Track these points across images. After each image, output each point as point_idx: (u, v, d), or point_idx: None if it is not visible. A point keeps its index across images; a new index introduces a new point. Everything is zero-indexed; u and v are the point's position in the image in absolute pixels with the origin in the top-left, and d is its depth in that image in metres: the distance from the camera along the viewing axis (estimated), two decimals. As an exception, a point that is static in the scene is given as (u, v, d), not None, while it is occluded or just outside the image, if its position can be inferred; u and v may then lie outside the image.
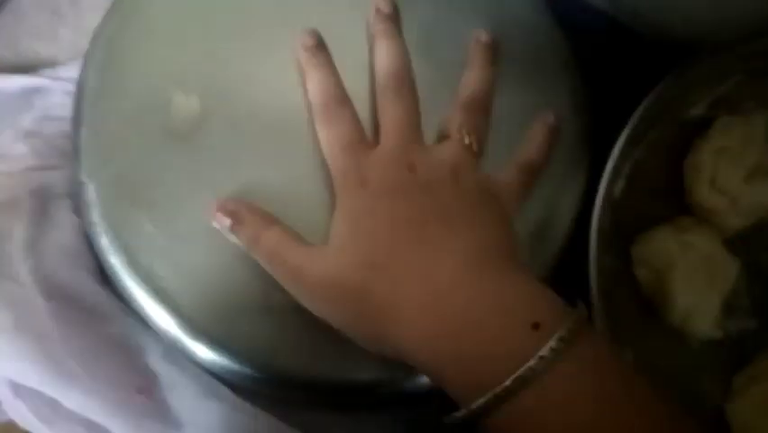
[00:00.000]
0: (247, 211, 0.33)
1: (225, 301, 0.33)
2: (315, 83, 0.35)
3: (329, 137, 0.34)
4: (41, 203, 0.36)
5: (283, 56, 0.36)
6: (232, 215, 0.33)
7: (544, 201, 0.37)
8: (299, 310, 0.32)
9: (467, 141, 0.35)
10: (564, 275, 0.36)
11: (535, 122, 0.38)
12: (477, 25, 0.38)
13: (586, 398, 0.27)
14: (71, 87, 0.37)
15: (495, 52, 0.38)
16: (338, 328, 0.32)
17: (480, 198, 0.34)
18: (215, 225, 0.33)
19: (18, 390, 0.32)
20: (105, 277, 0.35)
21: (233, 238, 0.33)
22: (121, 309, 0.34)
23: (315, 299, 0.32)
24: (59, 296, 0.33)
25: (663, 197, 0.40)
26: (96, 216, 0.34)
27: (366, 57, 0.37)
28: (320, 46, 0.36)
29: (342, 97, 0.35)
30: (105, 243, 0.34)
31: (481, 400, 0.27)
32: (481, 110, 0.36)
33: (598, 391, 0.27)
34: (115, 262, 0.34)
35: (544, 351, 0.27)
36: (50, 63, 0.39)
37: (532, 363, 0.27)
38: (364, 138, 0.35)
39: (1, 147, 0.37)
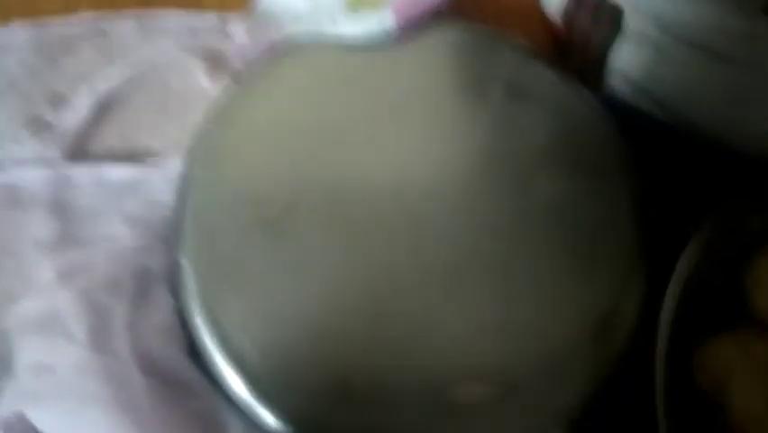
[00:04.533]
0: None
1: (307, 385, 0.35)
2: None
3: None
4: (141, 283, 0.38)
5: (371, 156, 0.39)
6: None
7: (604, 304, 0.38)
8: (379, 400, 0.34)
9: None
10: (625, 376, 0.37)
11: None
12: (539, 126, 0.41)
13: None
14: (173, 177, 0.41)
15: None
16: None
17: None
18: None
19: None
20: (194, 354, 0.37)
21: None
22: (207, 386, 0.36)
23: None
24: (153, 372, 0.35)
25: (727, 305, 0.41)
26: (190, 297, 0.36)
27: (451, 156, 0.40)
28: None
29: None
30: (198, 322, 0.36)
31: None
32: None
33: None
34: (206, 341, 0.36)
35: None
36: (156, 154, 0.43)
37: None
38: None
39: (107, 229, 0.40)
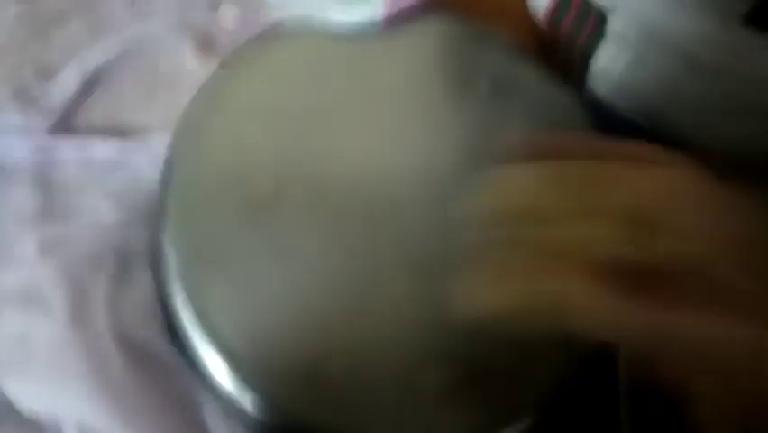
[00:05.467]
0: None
1: (284, 369, 0.35)
2: None
3: None
4: (121, 260, 0.39)
5: (355, 143, 0.40)
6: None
7: None
8: (353, 386, 0.35)
9: None
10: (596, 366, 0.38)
11: None
12: (522, 121, 0.41)
13: None
14: (159, 155, 0.41)
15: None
16: None
17: None
18: None
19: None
20: (172, 334, 0.37)
21: None
22: (184, 367, 0.37)
23: None
24: (131, 350, 0.36)
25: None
26: (171, 277, 0.37)
27: (433, 146, 0.40)
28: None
29: None
30: (177, 302, 0.36)
31: None
32: None
33: None
34: (185, 321, 0.36)
35: None
36: (141, 132, 0.43)
37: None
38: None
39: (89, 205, 0.40)
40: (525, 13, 0.47)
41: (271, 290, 0.37)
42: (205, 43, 0.45)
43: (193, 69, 0.44)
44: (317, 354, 0.36)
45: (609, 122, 0.43)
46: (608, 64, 0.42)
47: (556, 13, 0.44)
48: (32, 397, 0.35)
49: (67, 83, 0.44)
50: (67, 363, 0.35)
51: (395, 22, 0.43)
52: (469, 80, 0.43)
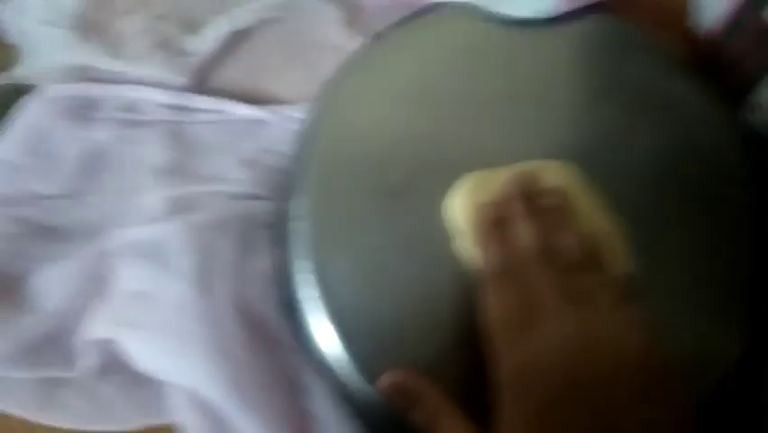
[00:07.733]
0: (422, 393, 0.33)
1: (402, 356, 0.34)
2: (491, 255, 0.34)
3: (495, 305, 0.33)
4: (246, 228, 0.38)
5: (494, 133, 0.38)
6: (405, 394, 0.33)
7: (701, 336, 0.36)
8: (467, 379, 0.34)
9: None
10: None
11: None
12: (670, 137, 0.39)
13: None
14: (292, 125, 0.40)
15: None
16: None
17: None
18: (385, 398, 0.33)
19: (196, 401, 0.34)
20: (290, 310, 0.36)
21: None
22: (298, 346, 0.36)
23: None
24: (249, 322, 0.35)
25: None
26: (297, 254, 0.36)
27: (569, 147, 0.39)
28: (499, 221, 0.35)
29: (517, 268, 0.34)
30: (300, 280, 0.36)
31: None
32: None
33: None
34: (306, 300, 0.35)
35: None
36: (277, 100, 0.42)
37: None
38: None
39: (221, 169, 0.40)
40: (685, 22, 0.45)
41: (396, 278, 0.35)
42: (352, 16, 0.44)
43: (336, 40, 0.43)
44: (434, 346, 0.35)
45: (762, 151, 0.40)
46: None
47: (730, 30, 0.41)
48: (145, 356, 0.34)
49: (210, 41, 0.43)
50: (187, 327, 0.34)
51: (566, 18, 0.41)
52: (620, 85, 0.40)
